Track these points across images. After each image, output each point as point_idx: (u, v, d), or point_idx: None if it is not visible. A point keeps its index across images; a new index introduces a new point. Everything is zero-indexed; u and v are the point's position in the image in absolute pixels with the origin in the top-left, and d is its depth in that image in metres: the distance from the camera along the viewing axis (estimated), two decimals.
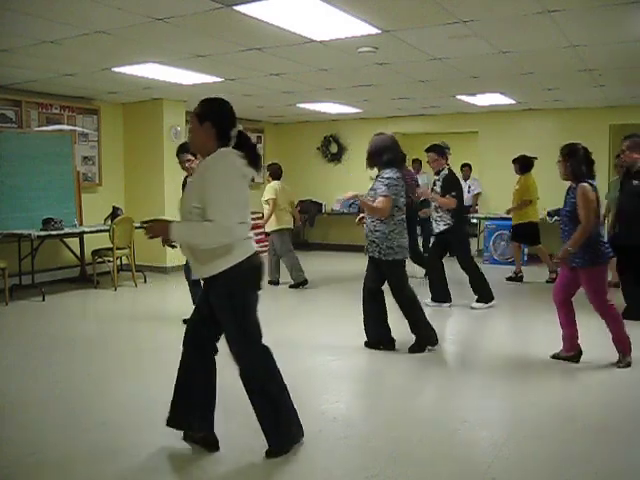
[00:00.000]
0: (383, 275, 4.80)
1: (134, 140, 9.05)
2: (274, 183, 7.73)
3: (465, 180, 10.85)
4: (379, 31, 4.89)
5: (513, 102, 9.04)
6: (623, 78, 7.01)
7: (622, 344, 4.39)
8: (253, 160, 2.89)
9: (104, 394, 3.94)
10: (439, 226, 6.39)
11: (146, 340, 5.40)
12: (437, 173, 6.50)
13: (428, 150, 6.55)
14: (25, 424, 3.43)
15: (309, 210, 11.45)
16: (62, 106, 8.13)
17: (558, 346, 4.55)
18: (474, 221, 10.53)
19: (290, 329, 5.69)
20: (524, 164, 7.99)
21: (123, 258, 8.11)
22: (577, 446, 3.13)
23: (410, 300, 4.80)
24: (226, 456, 3.02)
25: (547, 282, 7.86)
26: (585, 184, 4.23)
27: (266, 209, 7.66)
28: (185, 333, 3.07)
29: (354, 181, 9.35)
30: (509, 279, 8.18)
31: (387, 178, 4.62)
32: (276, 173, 7.83)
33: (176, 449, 3.09)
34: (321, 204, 11.41)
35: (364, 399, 3.95)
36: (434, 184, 6.53)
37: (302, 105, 9.41)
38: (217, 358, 3.08)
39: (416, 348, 4.78)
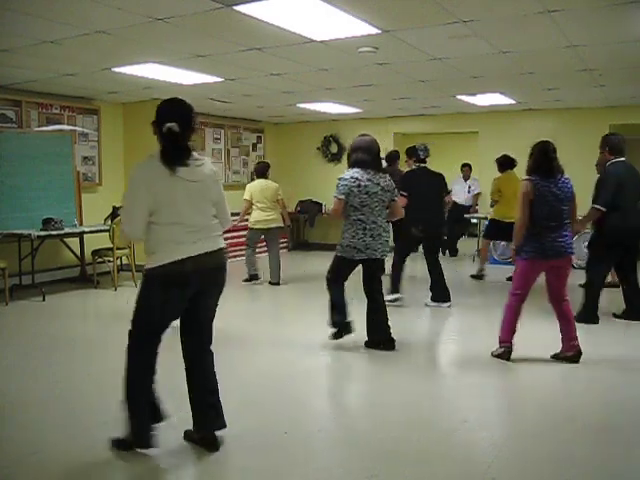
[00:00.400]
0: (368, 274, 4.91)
1: (134, 140, 9.04)
2: (254, 182, 7.83)
3: (465, 180, 10.86)
4: (379, 31, 4.89)
5: (513, 102, 9.04)
6: (623, 78, 7.02)
7: (503, 332, 4.52)
8: (165, 157, 2.85)
9: (104, 394, 3.94)
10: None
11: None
12: None
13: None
14: (25, 424, 3.43)
15: (309, 210, 11.45)
16: (62, 106, 8.13)
17: (558, 346, 4.55)
18: (474, 221, 10.53)
19: (289, 329, 5.69)
20: (503, 163, 8.13)
21: (123, 258, 8.11)
22: (577, 446, 3.13)
23: (331, 292, 4.93)
24: (224, 456, 3.02)
25: (471, 276, 8.35)
26: (524, 180, 4.34)
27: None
28: None
29: None
30: (473, 276, 8.33)
31: (339, 179, 4.70)
32: (260, 171, 7.90)
33: (176, 448, 3.09)
34: (321, 204, 11.40)
35: (364, 399, 3.95)
36: None
37: (302, 105, 9.41)
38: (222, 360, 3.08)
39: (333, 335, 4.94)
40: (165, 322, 3.00)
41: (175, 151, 2.88)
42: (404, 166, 10.15)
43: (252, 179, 8.16)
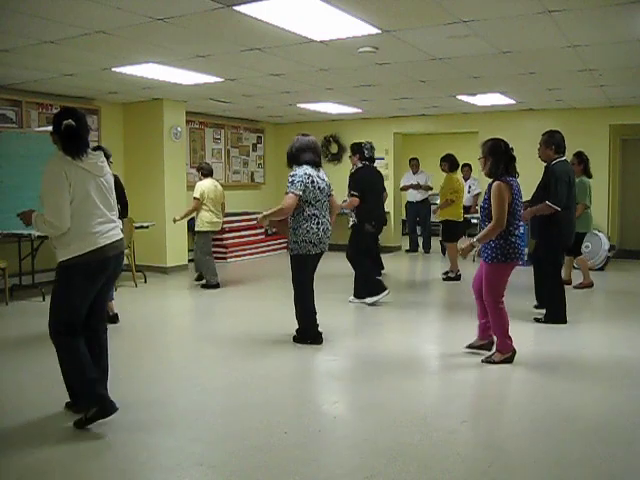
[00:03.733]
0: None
1: (134, 140, 9.05)
2: (203, 182, 7.59)
3: (465, 180, 10.87)
4: (379, 31, 4.89)
5: (513, 102, 9.04)
6: (623, 78, 7.02)
7: (499, 342, 4.42)
8: (68, 148, 3.15)
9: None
10: (350, 223, 6.58)
11: (146, 340, 5.40)
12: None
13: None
14: (26, 424, 3.43)
15: None
16: (62, 106, 8.12)
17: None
18: (474, 221, 10.53)
19: (288, 328, 5.68)
20: (453, 163, 8.29)
21: None
22: (577, 446, 3.13)
23: (300, 294, 4.96)
24: (224, 456, 3.02)
25: (443, 279, 8.15)
26: (500, 181, 4.23)
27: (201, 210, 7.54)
28: None
29: None
30: (447, 279, 8.10)
31: (292, 175, 4.78)
32: (205, 171, 7.72)
33: (175, 448, 3.09)
34: None
35: (363, 399, 3.94)
36: None
37: (302, 105, 9.42)
38: None
39: (296, 338, 5.03)
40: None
41: (75, 141, 3.15)
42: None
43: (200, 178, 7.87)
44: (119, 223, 3.43)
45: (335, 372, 4.50)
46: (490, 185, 4.32)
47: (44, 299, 6.90)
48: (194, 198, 7.50)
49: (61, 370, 3.37)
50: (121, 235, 3.42)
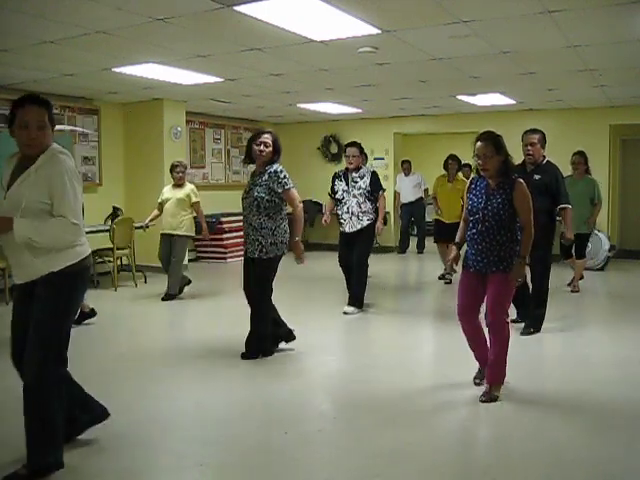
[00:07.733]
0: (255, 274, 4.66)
1: (134, 140, 9.05)
2: (193, 186, 7.20)
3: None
4: (379, 31, 4.89)
5: (513, 102, 9.04)
6: (623, 78, 7.02)
7: (498, 372, 3.78)
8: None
9: (104, 394, 3.93)
10: (362, 222, 6.09)
11: (146, 340, 5.40)
12: (356, 170, 6.17)
13: (351, 145, 6.25)
14: (22, 424, 3.42)
15: (309, 210, 11.45)
16: (62, 106, 8.13)
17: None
18: None
19: None
20: (460, 164, 8.48)
21: (123, 258, 8.10)
22: (577, 446, 3.13)
23: (268, 301, 4.75)
24: (225, 456, 3.02)
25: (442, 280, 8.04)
26: (520, 180, 3.69)
27: (186, 213, 6.97)
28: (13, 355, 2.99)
29: None
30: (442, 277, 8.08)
31: (280, 171, 4.93)
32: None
33: (175, 448, 3.09)
34: (321, 204, 11.42)
35: (364, 399, 3.94)
36: (354, 181, 6.15)
37: (302, 105, 9.42)
38: None
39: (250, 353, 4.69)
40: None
41: None
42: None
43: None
44: None
45: (334, 372, 4.50)
46: (507, 186, 3.69)
47: None
48: (197, 202, 7.02)
49: (42, 419, 2.94)
50: None
